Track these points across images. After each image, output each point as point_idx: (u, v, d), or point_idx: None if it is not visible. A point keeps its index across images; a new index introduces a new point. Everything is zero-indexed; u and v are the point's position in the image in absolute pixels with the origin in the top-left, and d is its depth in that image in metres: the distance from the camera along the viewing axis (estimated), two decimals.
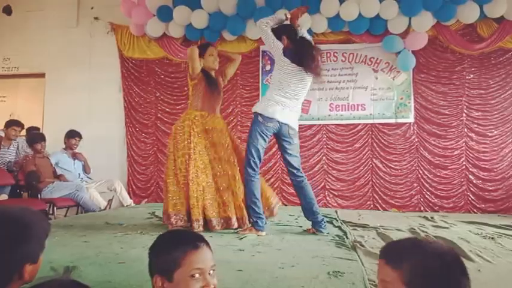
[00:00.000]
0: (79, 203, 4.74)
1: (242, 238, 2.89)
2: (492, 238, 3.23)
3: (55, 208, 4.59)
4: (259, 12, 5.23)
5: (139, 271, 1.95)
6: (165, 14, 5.56)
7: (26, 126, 5.56)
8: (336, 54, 5.64)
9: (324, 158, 5.63)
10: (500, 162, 5.28)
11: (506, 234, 3.41)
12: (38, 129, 5.61)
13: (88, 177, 5.27)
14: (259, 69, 5.73)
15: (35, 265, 1.08)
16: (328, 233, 3.10)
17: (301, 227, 3.46)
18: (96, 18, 6.15)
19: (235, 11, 5.41)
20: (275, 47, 3.10)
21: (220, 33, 5.60)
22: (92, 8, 6.19)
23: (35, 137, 4.98)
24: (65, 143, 5.22)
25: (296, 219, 3.84)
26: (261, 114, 3.09)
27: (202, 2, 5.42)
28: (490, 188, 5.27)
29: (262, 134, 3.10)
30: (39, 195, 4.52)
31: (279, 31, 3.14)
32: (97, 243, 2.62)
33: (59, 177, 4.93)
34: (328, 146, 5.64)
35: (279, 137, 3.19)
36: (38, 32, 6.30)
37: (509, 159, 5.27)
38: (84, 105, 6.12)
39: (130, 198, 5.38)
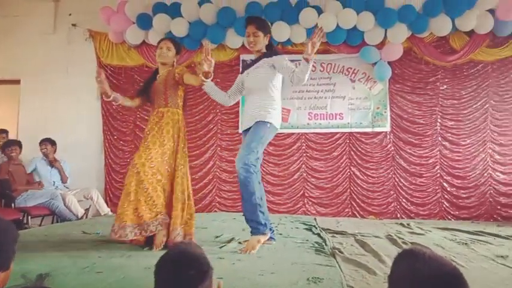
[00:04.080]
0: (54, 212, 4.64)
1: (222, 247, 2.90)
2: (466, 244, 3.33)
3: (29, 217, 4.48)
4: (239, 22, 5.29)
5: (118, 280, 1.93)
6: (144, 21, 5.55)
7: None
8: (314, 64, 5.70)
9: (303, 166, 5.68)
10: (472, 170, 5.44)
11: (478, 240, 3.53)
12: (7, 131, 5.46)
13: (64, 186, 5.17)
14: None
15: (7, 272, 1.11)
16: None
17: (281, 234, 3.49)
18: (74, 25, 6.06)
19: (216, 20, 5.45)
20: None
21: (200, 41, 5.62)
22: (70, 15, 6.10)
23: (8, 142, 4.87)
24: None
25: (276, 226, 3.86)
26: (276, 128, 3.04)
27: (183, 10, 5.44)
28: (464, 196, 5.42)
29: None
30: (13, 204, 4.41)
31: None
32: (74, 252, 2.58)
33: (39, 183, 4.82)
34: (307, 154, 5.70)
35: None
36: (13, 38, 6.16)
37: (481, 167, 5.43)
38: (61, 112, 6.00)
39: (108, 206, 5.30)
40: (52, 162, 5.09)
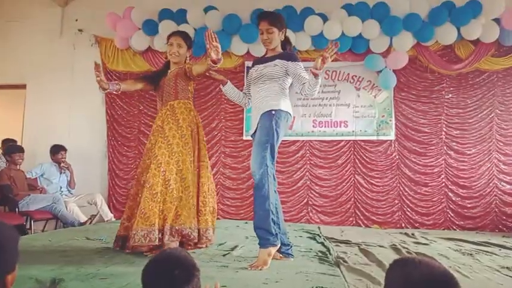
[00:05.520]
0: (57, 216, 4.64)
1: (225, 255, 2.88)
2: (470, 254, 3.30)
3: (32, 222, 4.48)
4: (244, 28, 5.32)
5: (121, 287, 1.92)
6: (150, 28, 5.58)
7: (3, 138, 5.49)
8: None
9: (307, 173, 5.66)
10: (478, 180, 5.40)
11: (483, 251, 3.49)
12: (15, 141, 5.51)
13: (69, 192, 5.18)
14: (244, 84, 5.76)
15: (13, 273, 1.13)
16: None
17: None
18: (80, 30, 6.11)
19: (221, 27, 5.47)
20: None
21: (205, 48, 5.62)
22: (77, 20, 6.16)
23: (13, 147, 4.89)
24: (51, 158, 5.16)
25: None
26: (289, 114, 2.72)
27: (188, 17, 5.47)
28: (469, 205, 5.37)
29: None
30: (16, 209, 4.41)
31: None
32: (78, 258, 2.57)
33: (40, 190, 4.83)
34: (312, 162, 5.69)
35: None
36: (20, 43, 6.22)
37: (486, 177, 5.39)
38: (66, 117, 6.03)
39: (111, 212, 5.29)
40: (63, 166, 5.12)
